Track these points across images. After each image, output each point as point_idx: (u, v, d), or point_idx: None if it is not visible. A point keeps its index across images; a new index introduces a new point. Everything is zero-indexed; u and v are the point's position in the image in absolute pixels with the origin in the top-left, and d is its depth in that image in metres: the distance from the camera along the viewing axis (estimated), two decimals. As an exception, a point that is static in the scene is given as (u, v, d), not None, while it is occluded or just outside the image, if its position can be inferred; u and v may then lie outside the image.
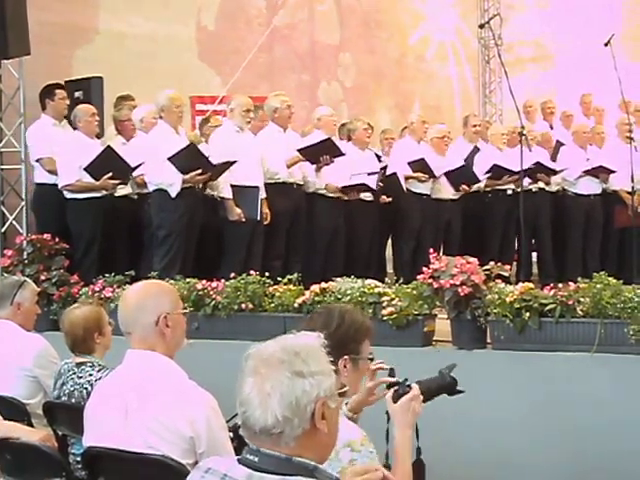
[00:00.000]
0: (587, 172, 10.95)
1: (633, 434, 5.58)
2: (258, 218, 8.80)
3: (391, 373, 3.59)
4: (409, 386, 3.45)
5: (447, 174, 10.41)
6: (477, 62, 17.24)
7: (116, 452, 3.43)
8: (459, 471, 5.82)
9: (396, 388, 3.45)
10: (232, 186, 8.75)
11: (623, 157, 10.44)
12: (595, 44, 13.68)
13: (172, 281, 6.83)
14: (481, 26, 14.16)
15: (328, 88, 14.19)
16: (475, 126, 11.45)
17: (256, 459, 2.36)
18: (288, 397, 2.34)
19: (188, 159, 8.39)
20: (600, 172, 10.96)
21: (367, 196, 9.99)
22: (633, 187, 10.09)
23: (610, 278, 5.90)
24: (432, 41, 16.46)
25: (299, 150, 9.24)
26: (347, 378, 3.42)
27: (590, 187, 11.09)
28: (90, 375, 4.76)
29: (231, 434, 3.48)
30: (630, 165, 9.94)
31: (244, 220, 8.69)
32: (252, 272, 7.22)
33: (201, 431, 3.35)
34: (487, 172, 10.59)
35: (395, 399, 3.42)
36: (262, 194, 8.92)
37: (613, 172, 10.90)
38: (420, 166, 10.20)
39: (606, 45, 9.73)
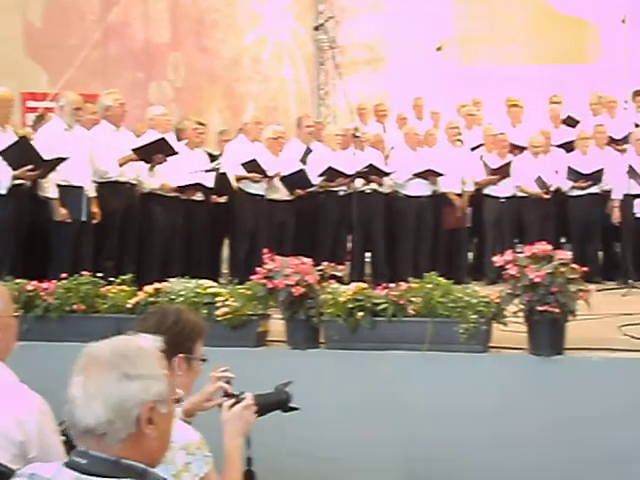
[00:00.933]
0: (417, 175, 11.16)
1: (465, 432, 5.72)
2: (84, 218, 8.64)
3: (227, 383, 3.59)
4: (243, 397, 3.46)
5: (283, 178, 10.46)
6: (312, 64, 17.38)
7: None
8: (288, 470, 5.85)
9: (234, 401, 3.45)
10: (58, 186, 8.57)
11: (453, 159, 10.70)
12: (428, 48, 14.04)
13: (2, 282, 6.64)
14: (316, 28, 14.32)
15: (159, 87, 14.05)
16: (309, 127, 11.56)
17: (84, 461, 2.30)
18: (112, 399, 2.29)
19: (19, 154, 8.17)
20: (429, 175, 11.18)
21: (199, 196, 9.95)
22: (462, 189, 10.34)
23: (440, 278, 6.03)
24: (268, 42, 16.49)
25: (133, 150, 9.14)
26: (181, 377, 3.40)
27: (420, 189, 11.30)
28: None
29: (63, 437, 3.41)
30: (459, 167, 10.20)
31: (69, 221, 8.53)
32: (84, 273, 7.08)
33: (32, 435, 3.27)
34: (321, 175, 10.69)
35: (229, 408, 3.43)
36: (91, 193, 8.78)
37: (441, 175, 11.15)
38: (252, 167, 10.21)
39: (438, 50, 9.95)
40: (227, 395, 3.48)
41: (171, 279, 6.74)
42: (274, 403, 3.63)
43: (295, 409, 3.70)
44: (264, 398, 3.56)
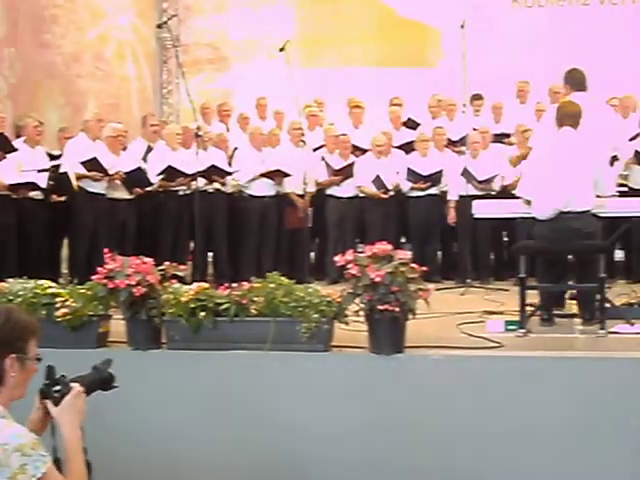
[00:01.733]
0: (264, 175, 11.19)
1: (307, 431, 5.75)
2: None
3: (50, 371, 3.54)
4: (69, 385, 3.43)
5: (122, 177, 10.34)
6: (155, 62, 17.21)
7: None
8: (131, 471, 5.80)
9: (56, 389, 3.42)
10: None
11: (296, 160, 10.75)
12: (271, 48, 14.06)
13: None
14: (159, 26, 14.16)
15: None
16: (153, 125, 11.45)
17: None
18: None
19: None
20: (277, 175, 11.22)
21: (37, 194, 9.74)
22: (305, 189, 10.42)
23: (282, 278, 6.05)
24: (110, 39, 16.23)
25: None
26: (14, 378, 3.33)
27: (264, 189, 11.33)
28: None
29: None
30: (302, 168, 10.28)
31: None
32: None
33: None
34: (160, 174, 10.59)
35: (57, 401, 3.40)
36: None
37: (288, 175, 11.21)
38: (93, 165, 10.05)
39: (281, 50, 9.96)
40: (52, 383, 3.46)
41: (9, 279, 6.57)
42: (97, 383, 3.63)
43: (115, 387, 3.69)
44: (88, 379, 3.56)
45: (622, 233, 8.23)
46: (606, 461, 5.49)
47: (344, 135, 11.92)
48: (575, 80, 8.27)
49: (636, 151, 10.98)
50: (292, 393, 5.82)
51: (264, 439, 5.81)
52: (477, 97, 12.91)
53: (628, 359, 5.79)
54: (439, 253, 11.86)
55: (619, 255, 11.54)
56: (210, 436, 5.88)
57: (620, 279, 10.65)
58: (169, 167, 10.54)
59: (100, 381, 3.64)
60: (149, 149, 11.13)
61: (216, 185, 11.07)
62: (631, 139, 11.52)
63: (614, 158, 10.34)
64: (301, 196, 11.26)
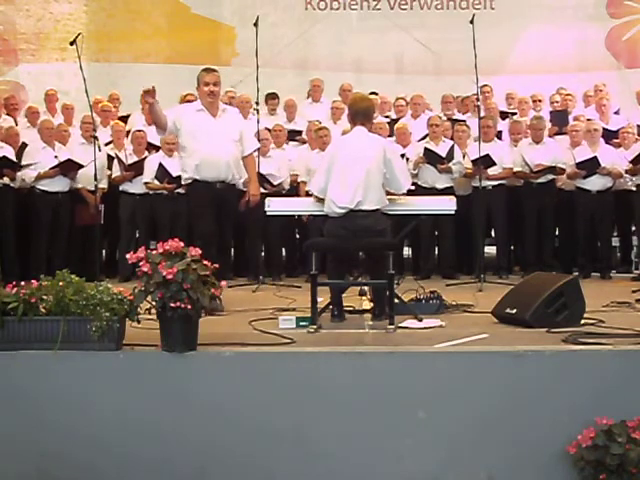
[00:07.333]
0: (54, 167, 11.01)
1: (98, 429, 5.70)
2: None
3: None
4: None
5: None
6: None
7: None
8: None
9: None
10: None
11: (87, 155, 10.58)
12: (61, 41, 13.82)
13: None
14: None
15: None
16: None
17: None
18: None
19: None
20: (67, 167, 11.06)
21: None
22: (96, 185, 10.29)
23: (73, 275, 5.94)
24: None
25: None
26: None
27: (58, 185, 11.15)
28: None
29: None
30: (94, 164, 10.16)
31: None
32: None
33: None
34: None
35: None
36: None
37: (82, 166, 11.05)
38: None
39: (72, 44, 9.77)
40: None
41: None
42: None
43: None
44: None
45: (410, 230, 8.44)
46: (396, 452, 5.67)
47: (139, 131, 11.78)
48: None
49: (425, 149, 11.31)
50: (83, 393, 5.74)
51: (51, 442, 5.72)
52: (272, 96, 13.00)
53: (415, 353, 5.97)
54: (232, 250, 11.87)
55: (407, 252, 11.89)
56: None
57: (408, 275, 10.94)
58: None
59: None
60: None
61: (5, 180, 10.80)
62: (420, 139, 11.88)
63: (403, 157, 10.63)
64: (92, 192, 11.05)
